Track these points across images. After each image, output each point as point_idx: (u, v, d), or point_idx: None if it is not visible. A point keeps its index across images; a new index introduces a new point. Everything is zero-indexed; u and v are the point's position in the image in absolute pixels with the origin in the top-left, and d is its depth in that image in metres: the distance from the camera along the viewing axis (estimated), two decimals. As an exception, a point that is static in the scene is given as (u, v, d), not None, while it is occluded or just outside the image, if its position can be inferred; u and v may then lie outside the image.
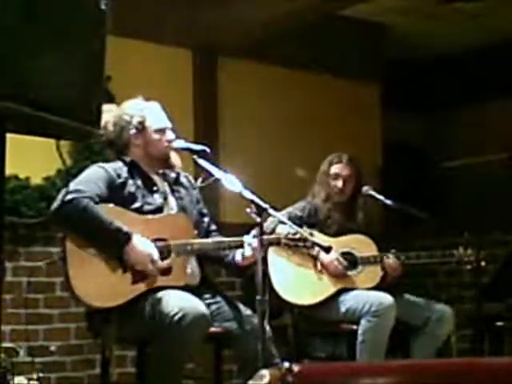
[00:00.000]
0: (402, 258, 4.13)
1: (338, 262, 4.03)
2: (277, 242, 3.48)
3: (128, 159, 3.44)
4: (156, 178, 3.48)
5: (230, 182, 3.14)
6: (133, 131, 3.43)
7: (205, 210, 3.60)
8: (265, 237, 3.41)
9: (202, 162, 3.37)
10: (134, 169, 3.42)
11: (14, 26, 2.08)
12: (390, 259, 4.09)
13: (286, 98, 5.94)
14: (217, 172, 3.27)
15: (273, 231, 4.02)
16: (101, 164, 3.43)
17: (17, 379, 4.18)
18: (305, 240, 3.42)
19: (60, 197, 3.20)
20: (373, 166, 6.15)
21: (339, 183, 4.22)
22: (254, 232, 3.28)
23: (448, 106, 6.93)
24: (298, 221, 4.01)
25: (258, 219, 3.02)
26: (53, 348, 4.80)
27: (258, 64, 5.83)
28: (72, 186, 3.24)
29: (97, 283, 3.16)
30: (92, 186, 3.25)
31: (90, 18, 2.32)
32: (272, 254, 3.99)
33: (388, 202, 4.23)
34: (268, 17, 5.17)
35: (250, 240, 3.33)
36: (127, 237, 3.18)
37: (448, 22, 6.26)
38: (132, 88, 5.09)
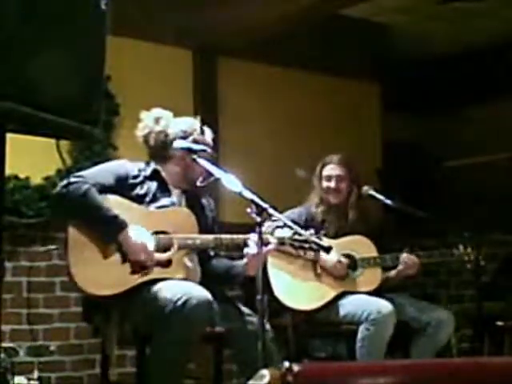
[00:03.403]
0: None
1: (339, 263, 4.02)
2: (281, 243, 3.47)
3: (153, 166, 3.46)
4: (174, 191, 3.49)
5: (230, 182, 3.14)
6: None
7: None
8: (269, 236, 3.42)
9: (201, 161, 3.38)
10: (155, 175, 3.44)
11: (14, 25, 2.08)
12: (406, 256, 4.08)
13: (286, 98, 5.93)
14: (217, 172, 3.27)
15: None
16: (125, 161, 3.48)
17: (17, 379, 4.18)
18: (309, 242, 3.43)
19: (65, 179, 3.25)
20: (373, 165, 6.15)
21: (332, 184, 4.21)
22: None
23: (448, 106, 6.93)
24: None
25: (258, 219, 3.02)
26: (53, 348, 4.80)
27: (258, 64, 5.83)
28: (82, 172, 3.29)
29: (95, 271, 3.17)
30: (99, 176, 3.29)
31: (90, 18, 2.33)
32: (271, 259, 3.95)
33: (388, 201, 4.22)
34: (268, 17, 5.16)
35: (255, 238, 3.32)
36: (122, 225, 3.20)
37: (448, 22, 6.26)
38: (132, 88, 5.15)
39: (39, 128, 2.33)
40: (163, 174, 3.47)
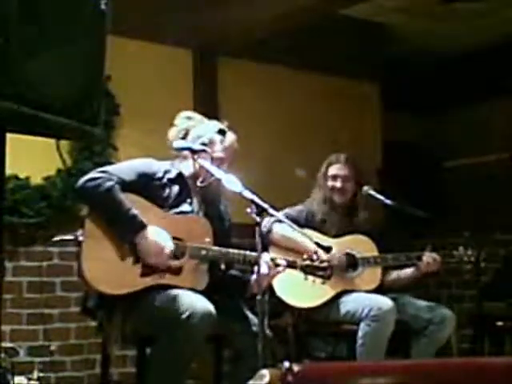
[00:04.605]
0: (403, 259, 4.12)
1: (340, 255, 4.04)
2: (292, 266, 3.48)
3: (177, 168, 3.44)
4: (194, 197, 3.47)
5: (230, 182, 3.14)
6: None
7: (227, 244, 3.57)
8: (279, 259, 3.43)
9: (202, 161, 3.38)
10: (178, 179, 3.42)
11: (14, 25, 2.09)
12: (428, 254, 4.07)
13: (286, 98, 5.94)
14: (217, 172, 3.27)
15: (269, 231, 4.02)
16: (153, 160, 3.45)
17: (17, 379, 4.18)
18: (320, 269, 3.45)
19: (91, 173, 3.24)
20: (373, 165, 6.15)
21: (337, 184, 4.22)
22: (272, 254, 3.46)
23: (448, 106, 6.93)
24: (294, 224, 3.98)
25: (258, 219, 3.02)
26: (53, 348, 4.80)
27: (258, 64, 5.83)
28: (107, 167, 3.28)
29: (106, 269, 3.15)
30: (125, 173, 3.27)
31: (90, 18, 2.33)
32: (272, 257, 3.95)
33: (388, 201, 4.22)
34: (268, 17, 5.16)
35: (268, 259, 3.33)
36: (142, 225, 3.18)
37: (448, 21, 6.26)
38: (132, 88, 5.15)
39: (39, 128, 2.33)
40: (186, 176, 3.45)
